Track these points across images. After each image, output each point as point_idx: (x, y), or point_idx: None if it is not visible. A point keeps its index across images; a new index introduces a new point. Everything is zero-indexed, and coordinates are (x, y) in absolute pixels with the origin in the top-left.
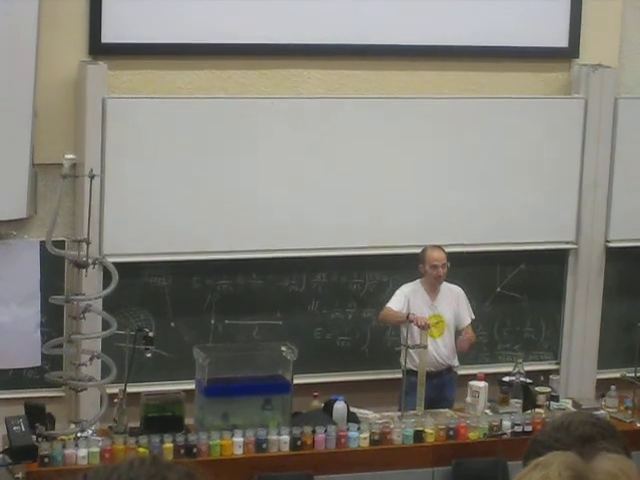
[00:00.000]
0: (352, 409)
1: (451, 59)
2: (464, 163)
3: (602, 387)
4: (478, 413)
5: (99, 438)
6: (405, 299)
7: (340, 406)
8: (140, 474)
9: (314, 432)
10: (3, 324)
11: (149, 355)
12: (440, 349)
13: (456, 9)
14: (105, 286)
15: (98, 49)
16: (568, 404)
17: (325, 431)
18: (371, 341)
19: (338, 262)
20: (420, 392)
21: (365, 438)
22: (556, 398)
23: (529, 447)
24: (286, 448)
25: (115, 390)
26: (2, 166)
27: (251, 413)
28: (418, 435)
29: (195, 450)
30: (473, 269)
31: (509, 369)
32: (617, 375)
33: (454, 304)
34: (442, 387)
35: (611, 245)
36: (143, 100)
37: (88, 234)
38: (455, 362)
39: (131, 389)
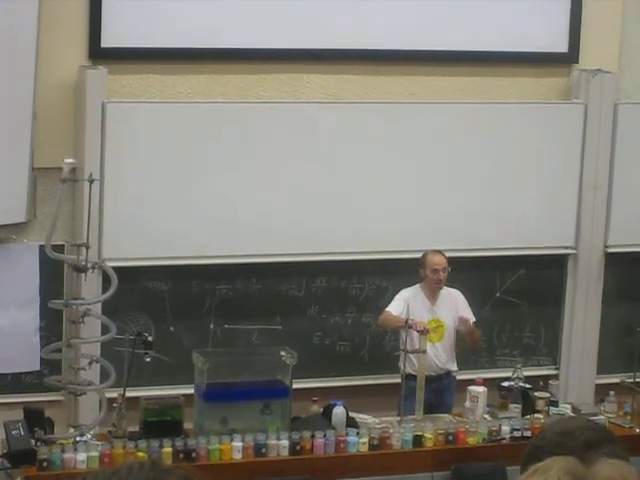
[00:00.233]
0: (351, 414)
1: (451, 64)
2: (464, 168)
3: (601, 392)
4: (477, 418)
5: (98, 442)
6: (404, 303)
7: (339, 411)
8: (139, 478)
9: (313, 437)
10: (2, 328)
11: (148, 359)
12: (439, 354)
13: (456, 14)
14: (104, 290)
15: (98, 53)
16: (567, 409)
17: (324, 436)
18: (370, 346)
19: (338, 267)
20: (419, 397)
21: (364, 443)
22: (555, 403)
23: (528, 452)
24: (285, 453)
25: (114, 394)
26: (2, 170)
27: (250, 418)
28: (417, 440)
29: (194, 455)
30: (473, 274)
31: (508, 374)
32: (616, 380)
33: (454, 309)
34: (441, 392)
35: (610, 250)
36: (143, 105)
37: (87, 238)
38: (454, 367)
39: (130, 393)
